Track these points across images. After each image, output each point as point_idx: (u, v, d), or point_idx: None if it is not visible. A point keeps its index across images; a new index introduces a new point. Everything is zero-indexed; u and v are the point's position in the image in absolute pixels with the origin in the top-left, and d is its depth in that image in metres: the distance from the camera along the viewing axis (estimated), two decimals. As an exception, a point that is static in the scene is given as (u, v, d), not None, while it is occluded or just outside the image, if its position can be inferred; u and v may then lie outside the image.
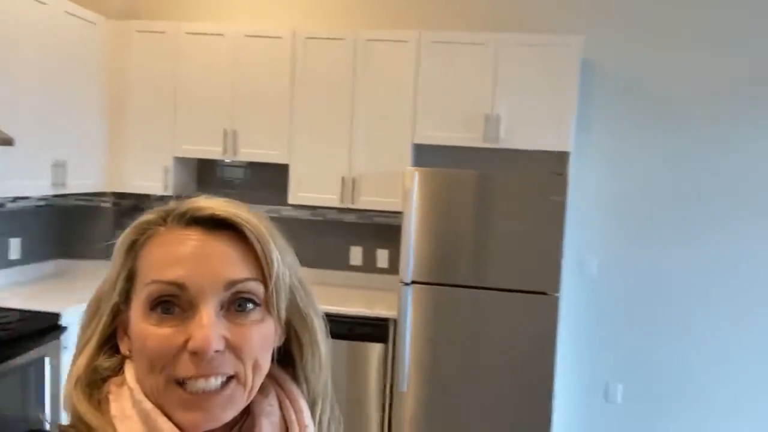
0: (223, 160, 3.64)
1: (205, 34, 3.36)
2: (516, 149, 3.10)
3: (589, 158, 3.25)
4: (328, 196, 3.29)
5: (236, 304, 0.61)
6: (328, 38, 3.26)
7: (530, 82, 3.06)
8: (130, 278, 0.64)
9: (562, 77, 3.03)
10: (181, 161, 3.51)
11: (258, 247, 0.62)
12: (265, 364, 0.63)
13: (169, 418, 0.59)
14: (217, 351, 0.58)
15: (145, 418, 0.60)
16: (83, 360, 0.65)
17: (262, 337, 0.62)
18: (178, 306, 0.60)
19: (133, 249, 0.64)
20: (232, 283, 0.60)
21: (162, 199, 3.66)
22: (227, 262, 0.61)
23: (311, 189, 3.30)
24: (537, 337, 2.77)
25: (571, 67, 3.02)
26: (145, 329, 0.60)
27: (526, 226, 2.78)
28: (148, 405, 0.60)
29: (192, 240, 0.62)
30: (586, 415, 3.37)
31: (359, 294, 3.37)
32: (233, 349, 0.59)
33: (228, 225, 0.63)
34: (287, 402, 0.67)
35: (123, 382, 0.63)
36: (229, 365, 0.59)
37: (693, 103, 3.21)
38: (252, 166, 3.60)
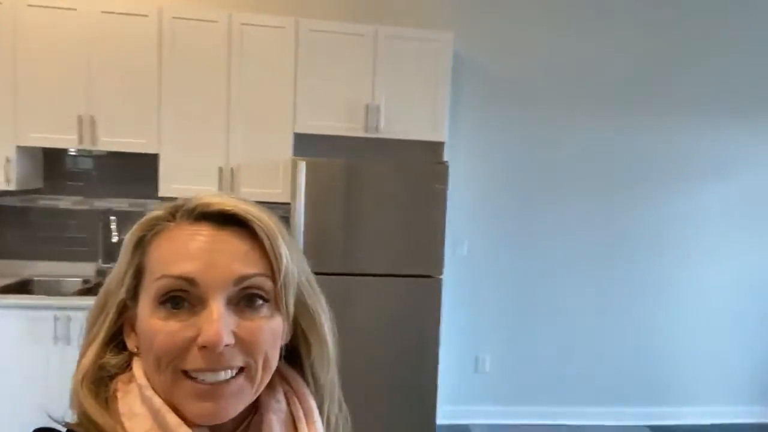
0: (73, 150, 3.28)
1: (53, 7, 2.98)
2: (394, 139, 3.21)
3: (459, 147, 3.47)
4: (205, 188, 3.13)
5: (246, 300, 0.61)
6: (200, 20, 3.08)
7: (407, 74, 3.18)
8: (138, 274, 0.63)
9: (437, 71, 3.20)
10: (26, 151, 3.10)
11: (267, 242, 0.63)
12: (274, 359, 0.64)
13: (179, 411, 0.59)
14: (227, 345, 0.58)
15: (154, 415, 0.59)
16: (89, 357, 0.64)
17: (272, 332, 0.62)
18: (188, 301, 0.60)
19: (141, 245, 0.64)
20: (242, 279, 0.61)
21: (3, 195, 3.21)
22: (237, 258, 0.61)
23: (185, 180, 3.11)
24: (424, 318, 2.93)
25: (445, 62, 3.20)
26: (154, 325, 0.59)
27: (411, 214, 2.91)
28: (157, 401, 0.60)
29: (201, 235, 0.62)
30: (459, 384, 3.63)
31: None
32: (243, 343, 0.60)
33: (237, 221, 0.63)
34: (295, 398, 0.68)
35: (131, 379, 0.63)
36: (238, 359, 0.60)
37: (551, 97, 3.57)
38: (113, 156, 3.28)
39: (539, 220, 3.62)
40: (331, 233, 2.89)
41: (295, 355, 0.70)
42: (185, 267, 0.60)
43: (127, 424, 0.60)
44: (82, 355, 0.65)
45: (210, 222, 0.63)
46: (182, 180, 3.10)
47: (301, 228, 2.83)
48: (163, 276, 0.60)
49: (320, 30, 3.14)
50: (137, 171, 3.31)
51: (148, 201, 3.29)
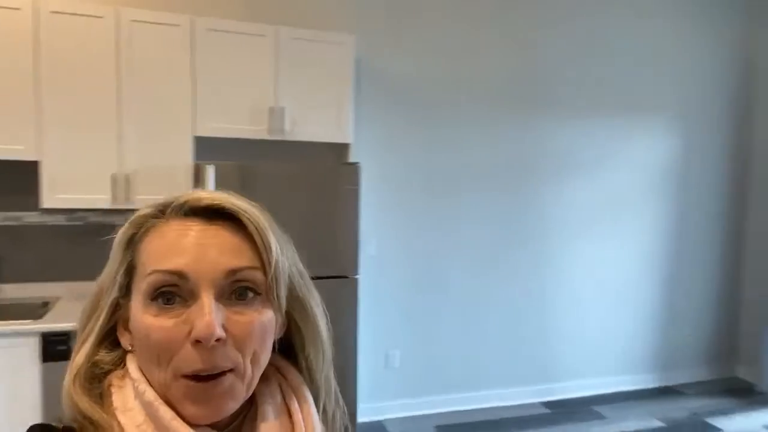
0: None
1: None
2: (299, 141, 3.18)
3: (362, 148, 3.51)
4: (96, 197, 2.88)
5: (237, 293, 0.62)
6: (82, 15, 2.83)
7: (311, 76, 3.16)
8: (129, 272, 0.64)
9: (340, 72, 3.21)
10: None
11: (256, 235, 0.64)
12: (264, 356, 0.64)
13: (176, 410, 0.60)
14: (218, 340, 0.59)
15: (147, 408, 0.60)
16: (82, 356, 0.64)
17: (263, 326, 0.63)
18: (179, 296, 0.60)
19: (132, 243, 0.64)
20: (233, 272, 0.62)
21: None
22: (227, 251, 0.62)
23: (72, 189, 2.85)
24: (342, 318, 2.94)
25: (347, 63, 3.22)
26: (147, 321, 0.60)
27: (325, 215, 2.90)
28: (150, 395, 0.60)
29: (191, 230, 0.63)
30: (371, 381, 3.69)
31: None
32: (234, 338, 0.61)
33: (226, 215, 0.64)
34: (290, 390, 0.69)
35: (125, 375, 0.64)
36: (229, 359, 0.60)
37: (449, 97, 3.73)
38: (-19, 164, 2.92)
39: (441, 216, 3.78)
40: (242, 239, 2.80)
41: (290, 348, 0.71)
42: (175, 262, 0.60)
43: (120, 418, 0.60)
44: (75, 354, 0.65)
45: (200, 217, 0.64)
46: (70, 189, 2.84)
47: (212, 235, 2.70)
48: (154, 271, 0.60)
49: (218, 29, 3.02)
50: (11, 180, 2.97)
51: (27, 213, 2.97)
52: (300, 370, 0.71)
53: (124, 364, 0.65)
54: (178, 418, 0.59)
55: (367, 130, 3.55)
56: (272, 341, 0.65)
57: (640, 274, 4.30)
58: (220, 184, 2.73)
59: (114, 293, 0.64)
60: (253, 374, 0.63)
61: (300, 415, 0.67)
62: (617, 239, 4.21)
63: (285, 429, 0.66)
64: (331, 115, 3.20)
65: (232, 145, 3.12)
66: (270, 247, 0.63)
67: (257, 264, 0.63)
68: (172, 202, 0.65)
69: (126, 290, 0.64)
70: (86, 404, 0.61)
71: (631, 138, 4.18)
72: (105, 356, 0.65)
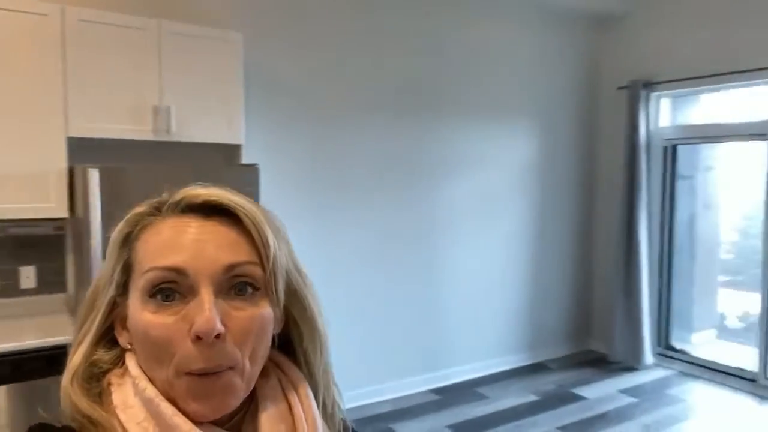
0: None
1: None
2: (187, 142, 3.03)
3: (252, 150, 3.42)
4: (-52, 207, 2.52)
5: (236, 288, 0.63)
6: (-75, -3, 2.45)
7: (198, 74, 3.01)
8: (126, 270, 0.64)
9: (228, 71, 3.10)
10: None
11: (253, 230, 0.65)
12: (263, 351, 0.65)
13: (177, 407, 0.61)
14: (218, 336, 0.59)
15: (148, 405, 0.60)
16: (79, 356, 0.64)
17: (262, 321, 0.64)
18: (178, 292, 0.61)
19: (128, 241, 0.65)
20: (231, 267, 0.62)
21: None
22: (225, 247, 0.63)
23: None
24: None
25: (235, 62, 3.11)
26: (147, 318, 0.60)
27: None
28: (151, 392, 0.61)
29: (189, 227, 0.63)
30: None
31: (11, 325, 2.72)
32: (233, 334, 0.61)
33: (223, 211, 0.65)
34: (290, 385, 0.70)
35: (124, 373, 0.64)
36: (229, 357, 0.61)
37: (336, 101, 3.76)
38: None
39: (330, 215, 3.81)
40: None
41: (288, 343, 0.72)
42: (173, 258, 0.60)
43: (121, 416, 0.60)
44: (72, 354, 0.64)
45: (196, 213, 0.64)
46: None
47: (99, 246, 2.48)
48: (152, 268, 0.60)
49: (92, 20, 2.77)
50: None
51: None
52: (299, 365, 0.71)
53: (123, 363, 0.63)
54: (180, 414, 0.59)
55: (257, 131, 3.47)
56: (271, 336, 0.66)
57: (508, 265, 4.67)
58: (105, 189, 2.52)
59: (111, 292, 0.63)
60: (252, 370, 0.62)
61: (300, 410, 0.67)
62: (489, 233, 4.54)
63: (286, 423, 0.66)
64: (221, 116, 3.08)
65: (113, 147, 2.88)
66: (267, 242, 0.63)
67: (255, 259, 0.63)
68: (168, 200, 0.65)
69: (123, 289, 0.63)
70: (85, 404, 0.60)
71: (500, 139, 4.52)
72: (103, 355, 0.64)
